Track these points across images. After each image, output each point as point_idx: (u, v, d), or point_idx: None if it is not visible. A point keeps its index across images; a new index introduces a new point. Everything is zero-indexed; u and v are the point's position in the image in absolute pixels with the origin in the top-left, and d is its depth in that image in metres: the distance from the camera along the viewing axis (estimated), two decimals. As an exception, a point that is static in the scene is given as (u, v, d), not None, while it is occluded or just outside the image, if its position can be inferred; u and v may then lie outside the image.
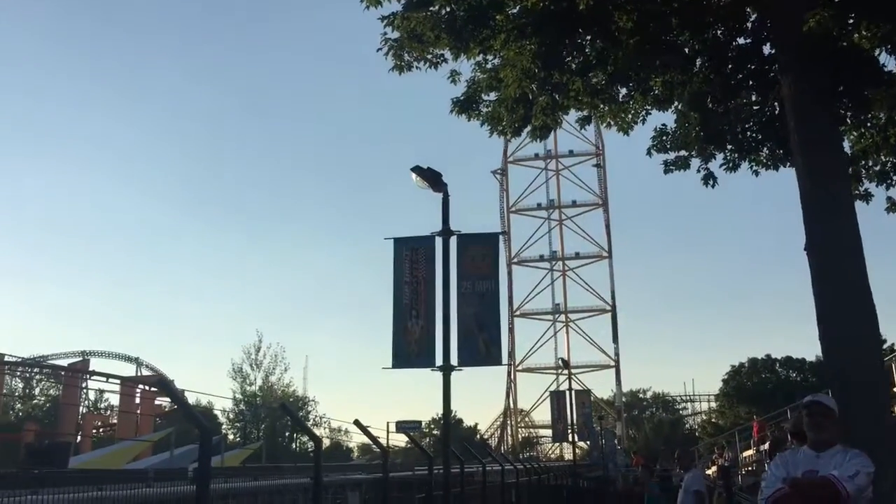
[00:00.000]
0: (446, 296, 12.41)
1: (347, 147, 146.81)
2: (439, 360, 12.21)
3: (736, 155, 11.93)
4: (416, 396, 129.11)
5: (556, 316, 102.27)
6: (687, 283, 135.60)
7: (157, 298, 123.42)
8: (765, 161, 12.01)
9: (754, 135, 11.80)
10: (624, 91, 12.22)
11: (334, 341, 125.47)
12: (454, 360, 12.26)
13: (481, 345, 12.52)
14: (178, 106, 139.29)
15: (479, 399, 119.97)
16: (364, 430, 10.84)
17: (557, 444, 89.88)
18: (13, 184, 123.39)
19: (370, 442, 12.85)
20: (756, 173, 12.07)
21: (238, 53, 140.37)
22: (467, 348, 12.43)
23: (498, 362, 13.14)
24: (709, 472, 25.69)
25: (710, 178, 12.09)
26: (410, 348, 12.56)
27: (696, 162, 12.31)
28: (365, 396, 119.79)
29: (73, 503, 9.15)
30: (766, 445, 26.00)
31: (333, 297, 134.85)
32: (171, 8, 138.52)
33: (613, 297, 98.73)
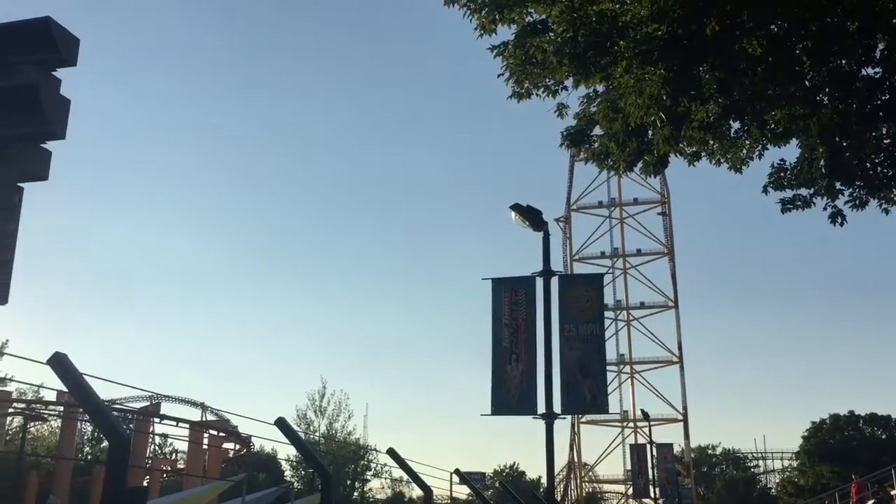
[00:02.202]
0: (548, 339, 11.83)
1: (405, 191, 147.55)
2: (541, 408, 11.60)
3: (864, 191, 11.16)
4: (473, 444, 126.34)
5: (621, 367, 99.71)
6: (755, 334, 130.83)
7: (219, 345, 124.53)
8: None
9: (885, 170, 11.02)
10: (737, 125, 11.65)
11: (384, 388, 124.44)
12: (556, 408, 11.64)
13: (586, 392, 11.84)
14: (245, 153, 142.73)
15: (535, 450, 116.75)
16: (467, 481, 10.25)
17: (623, 498, 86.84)
18: (73, 230, 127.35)
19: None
20: (886, 211, 11.28)
21: (295, 101, 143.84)
22: (571, 395, 11.77)
23: (604, 410, 12.26)
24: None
25: (837, 217, 11.32)
26: (510, 394, 11.96)
27: (819, 200, 11.61)
28: (420, 443, 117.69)
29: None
30: (869, 507, 24.42)
31: (392, 343, 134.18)
32: (232, 58, 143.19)
33: (680, 349, 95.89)
